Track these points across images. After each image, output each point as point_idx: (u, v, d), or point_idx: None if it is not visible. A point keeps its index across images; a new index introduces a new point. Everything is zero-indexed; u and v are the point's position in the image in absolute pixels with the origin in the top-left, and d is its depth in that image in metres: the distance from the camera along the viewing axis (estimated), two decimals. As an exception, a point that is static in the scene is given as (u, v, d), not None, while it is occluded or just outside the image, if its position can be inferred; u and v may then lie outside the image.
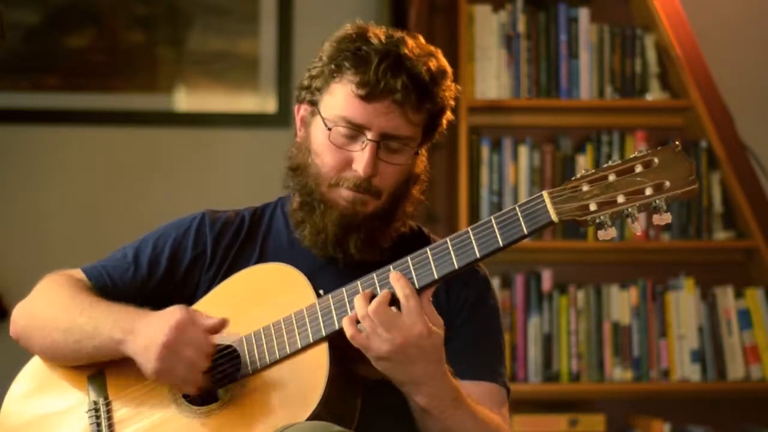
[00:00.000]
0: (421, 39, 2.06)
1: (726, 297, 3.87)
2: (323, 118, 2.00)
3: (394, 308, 1.83)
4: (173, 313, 1.93)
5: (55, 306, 2.05)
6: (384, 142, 1.98)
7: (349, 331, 1.85)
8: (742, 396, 3.89)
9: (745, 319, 3.86)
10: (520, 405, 3.70)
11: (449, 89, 2.04)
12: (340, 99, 1.99)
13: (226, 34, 4.43)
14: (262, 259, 2.08)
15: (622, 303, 3.83)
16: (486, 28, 3.85)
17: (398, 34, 2.02)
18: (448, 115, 2.06)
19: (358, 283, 1.89)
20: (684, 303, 3.84)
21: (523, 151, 3.83)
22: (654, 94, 3.90)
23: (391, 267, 1.88)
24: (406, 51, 1.98)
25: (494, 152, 3.82)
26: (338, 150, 1.99)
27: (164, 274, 2.09)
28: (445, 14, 3.95)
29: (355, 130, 1.98)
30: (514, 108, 3.88)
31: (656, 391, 3.86)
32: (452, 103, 2.06)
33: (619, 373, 3.81)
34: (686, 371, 3.82)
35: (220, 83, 4.42)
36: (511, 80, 3.85)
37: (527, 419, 3.73)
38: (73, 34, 4.45)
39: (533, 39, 3.86)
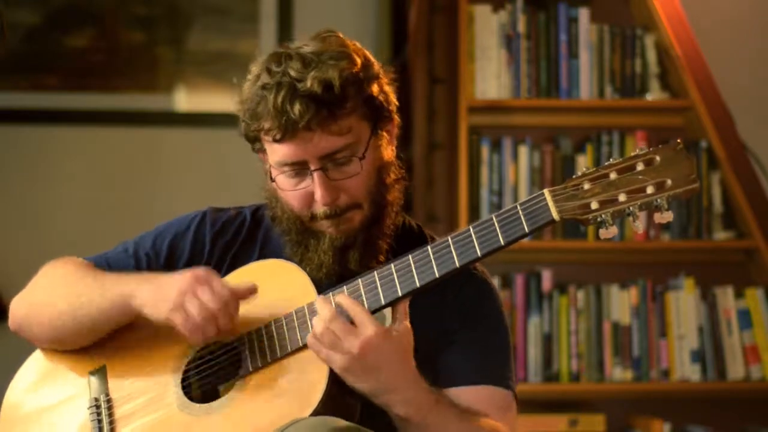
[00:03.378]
0: (323, 35, 1.96)
1: (726, 297, 3.86)
2: (270, 168, 1.99)
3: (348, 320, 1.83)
4: (197, 268, 1.92)
5: (59, 280, 2.04)
6: (329, 163, 1.93)
7: (314, 348, 1.84)
8: (742, 396, 3.88)
9: (745, 319, 3.86)
10: (520, 405, 3.68)
11: (360, 74, 1.93)
12: (269, 148, 1.97)
13: (226, 34, 4.44)
14: (262, 257, 2.07)
15: (622, 303, 3.83)
16: (486, 28, 3.85)
17: (291, 48, 1.95)
18: (384, 88, 1.97)
19: (359, 280, 1.89)
20: (684, 303, 3.84)
21: (523, 151, 3.83)
22: (654, 94, 3.89)
23: (392, 265, 1.87)
24: (294, 73, 1.90)
25: (494, 152, 3.82)
26: (295, 192, 1.96)
27: (162, 271, 2.08)
28: (445, 14, 3.95)
29: (297, 167, 1.95)
30: (514, 108, 3.88)
31: (656, 391, 3.86)
32: (374, 79, 1.94)
33: (619, 373, 3.81)
34: (686, 371, 3.82)
35: (220, 83, 4.42)
36: (511, 80, 3.85)
37: (527, 419, 3.72)
38: (73, 34, 4.46)
39: (533, 39, 3.86)
